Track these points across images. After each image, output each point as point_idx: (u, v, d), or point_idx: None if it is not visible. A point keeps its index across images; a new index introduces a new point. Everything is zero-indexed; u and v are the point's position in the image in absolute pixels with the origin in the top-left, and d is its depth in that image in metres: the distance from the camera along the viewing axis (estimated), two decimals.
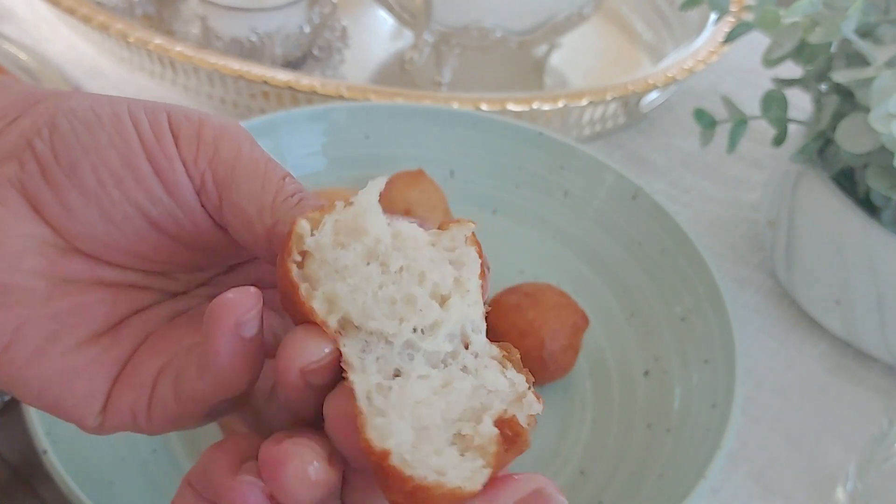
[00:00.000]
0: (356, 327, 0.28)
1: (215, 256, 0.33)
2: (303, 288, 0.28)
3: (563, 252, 0.64)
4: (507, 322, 0.55)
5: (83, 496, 0.43)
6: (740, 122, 0.64)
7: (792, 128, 0.63)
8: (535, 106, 0.72)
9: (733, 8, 0.73)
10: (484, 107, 0.71)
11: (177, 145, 0.30)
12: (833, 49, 0.59)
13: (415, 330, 0.28)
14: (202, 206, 0.30)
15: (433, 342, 0.28)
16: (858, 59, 0.56)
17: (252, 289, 0.28)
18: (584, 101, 0.74)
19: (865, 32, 0.56)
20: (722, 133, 0.66)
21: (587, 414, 0.57)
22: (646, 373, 0.57)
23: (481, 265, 0.29)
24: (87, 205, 0.29)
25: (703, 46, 0.80)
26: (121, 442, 0.50)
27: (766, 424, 0.59)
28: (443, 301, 0.28)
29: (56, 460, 0.44)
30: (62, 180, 0.29)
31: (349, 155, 0.65)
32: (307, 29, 0.80)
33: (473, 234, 0.29)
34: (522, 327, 0.54)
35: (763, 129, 0.67)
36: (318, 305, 0.27)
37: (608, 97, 0.75)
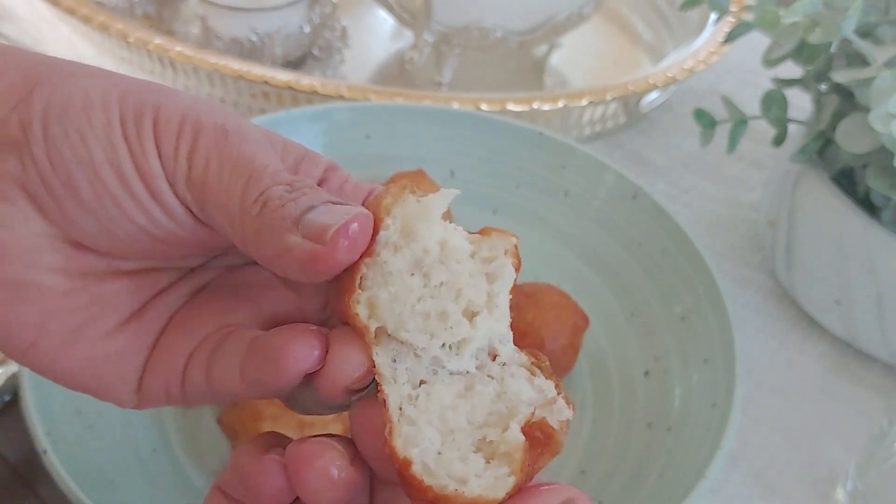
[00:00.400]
0: (388, 335, 0.28)
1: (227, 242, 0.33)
2: (356, 294, 0.28)
3: (563, 252, 0.64)
4: None
5: (83, 496, 0.43)
6: (740, 122, 0.64)
7: (792, 128, 0.63)
8: (535, 106, 0.72)
9: (733, 8, 0.73)
10: (484, 107, 0.71)
11: (161, 163, 0.29)
12: (833, 49, 0.59)
13: (443, 345, 0.28)
14: (199, 222, 0.30)
15: (458, 362, 0.28)
16: (858, 59, 0.56)
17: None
18: (584, 101, 0.74)
19: (865, 32, 0.56)
20: (722, 133, 0.66)
21: (587, 414, 0.57)
22: (646, 373, 0.57)
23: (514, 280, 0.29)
24: (88, 218, 0.29)
25: (703, 46, 0.80)
26: (121, 442, 0.50)
27: (766, 424, 0.59)
28: (472, 316, 0.29)
29: (56, 460, 0.44)
30: (61, 192, 0.29)
31: (349, 155, 0.65)
32: (307, 29, 0.80)
33: (515, 246, 0.29)
34: (522, 327, 0.54)
35: (763, 129, 0.67)
36: (361, 311, 0.28)
37: (608, 97, 0.75)
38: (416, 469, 0.26)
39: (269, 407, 0.48)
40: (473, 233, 0.30)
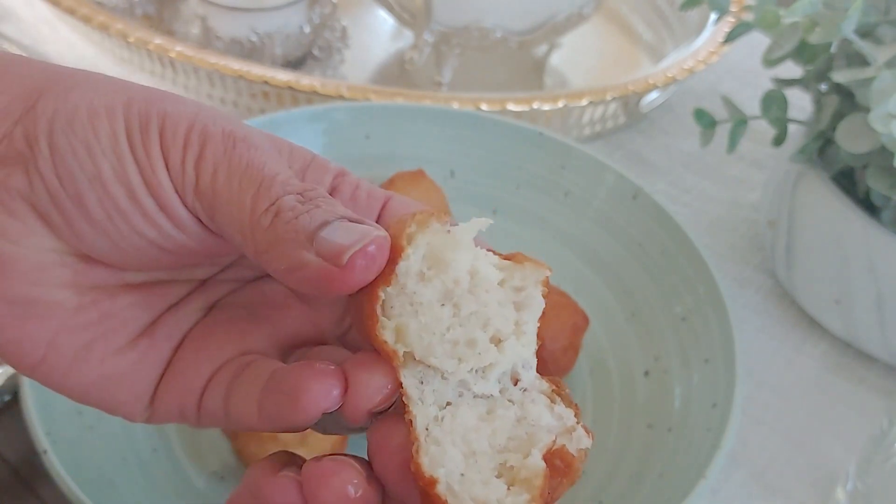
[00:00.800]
0: (416, 360, 0.28)
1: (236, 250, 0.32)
2: (381, 322, 0.28)
3: (563, 252, 0.64)
4: None
5: (83, 496, 0.43)
6: (740, 122, 0.64)
7: (792, 128, 0.63)
8: (535, 106, 0.72)
9: (733, 8, 0.73)
10: (484, 107, 0.71)
11: (170, 175, 0.28)
12: (833, 49, 0.59)
13: (470, 370, 0.28)
14: (209, 231, 0.30)
15: (484, 385, 0.29)
16: (858, 59, 0.56)
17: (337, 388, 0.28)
18: (584, 101, 0.74)
19: (865, 32, 0.56)
20: (722, 133, 0.66)
21: (587, 414, 0.57)
22: (646, 373, 0.57)
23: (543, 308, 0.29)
24: (96, 233, 0.29)
25: (703, 46, 0.80)
26: (121, 442, 0.50)
27: (766, 424, 0.59)
28: (498, 342, 0.29)
29: (56, 460, 0.44)
30: (70, 209, 0.29)
31: (349, 155, 0.65)
32: (307, 29, 0.80)
33: (547, 277, 0.29)
34: None
35: (763, 129, 0.67)
36: (388, 337, 0.28)
37: (608, 97, 0.75)
38: (441, 489, 0.27)
39: None
40: (504, 257, 0.29)
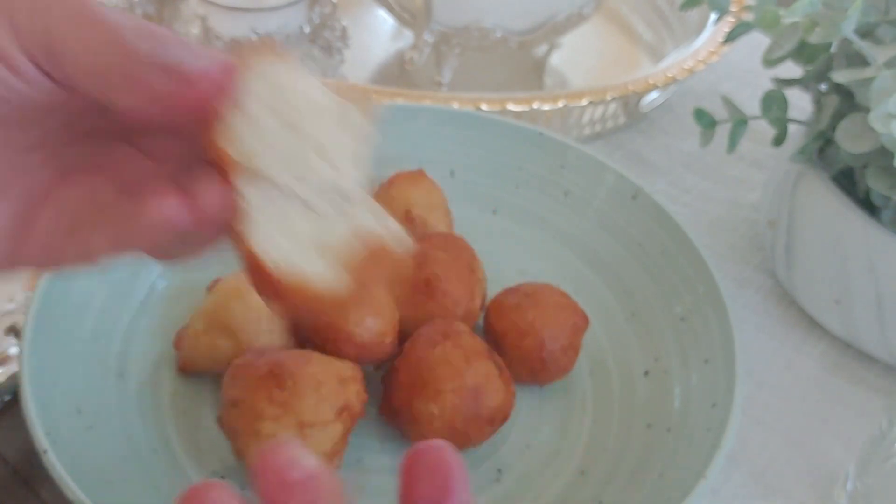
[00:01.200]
0: (254, 173, 0.31)
1: None
2: (222, 134, 0.31)
3: (563, 252, 0.64)
4: (507, 322, 0.55)
5: (83, 496, 0.43)
6: (740, 122, 0.64)
7: (792, 128, 0.63)
8: (535, 106, 0.72)
9: (733, 8, 0.73)
10: (484, 107, 0.71)
11: (12, 25, 0.30)
12: (833, 49, 0.59)
13: (306, 186, 0.32)
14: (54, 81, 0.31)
15: (318, 203, 0.32)
16: (858, 59, 0.56)
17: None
18: (584, 101, 0.74)
19: (865, 32, 0.56)
20: (722, 133, 0.66)
21: (587, 414, 0.57)
22: (646, 373, 0.57)
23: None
24: None
25: (703, 46, 0.80)
26: (121, 442, 0.50)
27: (766, 424, 0.59)
28: (333, 164, 0.32)
29: (56, 460, 0.44)
30: None
31: None
32: (307, 29, 0.80)
33: (373, 106, 0.33)
34: (522, 327, 0.54)
35: (763, 129, 0.67)
36: (230, 149, 0.31)
37: (608, 97, 0.75)
38: (264, 257, 0.30)
39: (270, 407, 0.48)
40: (335, 88, 0.33)
